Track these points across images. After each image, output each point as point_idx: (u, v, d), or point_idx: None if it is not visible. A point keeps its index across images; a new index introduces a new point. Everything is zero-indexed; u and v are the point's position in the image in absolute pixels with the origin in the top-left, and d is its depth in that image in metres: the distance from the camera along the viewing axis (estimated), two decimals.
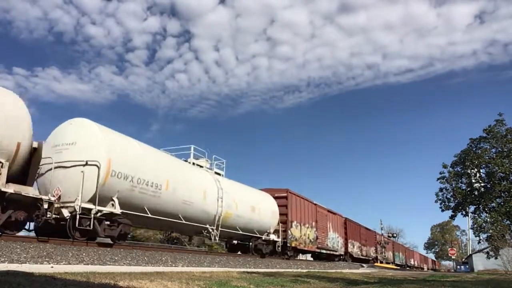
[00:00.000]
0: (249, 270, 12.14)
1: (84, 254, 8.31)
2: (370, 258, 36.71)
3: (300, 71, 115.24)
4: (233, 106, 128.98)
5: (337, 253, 27.27)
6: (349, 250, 30.04)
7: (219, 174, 16.61)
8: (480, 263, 44.73)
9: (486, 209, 26.47)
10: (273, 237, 18.38)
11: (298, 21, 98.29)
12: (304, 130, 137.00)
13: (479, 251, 47.53)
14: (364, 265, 30.75)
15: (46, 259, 7.28)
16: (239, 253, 18.42)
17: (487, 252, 29.00)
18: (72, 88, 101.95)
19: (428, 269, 75.60)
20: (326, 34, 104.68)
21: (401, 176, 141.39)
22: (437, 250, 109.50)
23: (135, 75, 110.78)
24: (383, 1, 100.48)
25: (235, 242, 18.11)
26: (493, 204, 25.97)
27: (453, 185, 27.59)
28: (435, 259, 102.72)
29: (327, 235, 24.99)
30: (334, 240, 26.66)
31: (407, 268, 54.30)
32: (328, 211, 26.24)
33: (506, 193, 25.20)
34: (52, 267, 6.88)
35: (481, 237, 27.84)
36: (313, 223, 22.82)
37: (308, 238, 21.73)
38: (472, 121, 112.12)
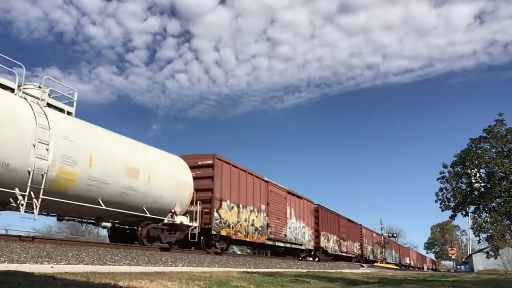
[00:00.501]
0: (249, 270, 12.14)
1: (84, 254, 8.31)
2: (353, 255, 31.86)
3: (300, 71, 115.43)
4: (233, 106, 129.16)
5: (302, 247, 21.72)
6: (322, 244, 24.47)
7: (62, 110, 10.19)
8: (480, 263, 44.76)
9: (486, 209, 26.52)
10: (182, 220, 12.56)
11: (298, 21, 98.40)
12: (304, 130, 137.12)
13: (479, 251, 47.56)
14: (364, 265, 30.73)
15: (46, 259, 7.28)
16: (136, 243, 12.15)
17: (487, 252, 29.05)
18: (72, 88, 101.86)
19: (428, 269, 75.57)
20: (326, 34, 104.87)
21: (401, 176, 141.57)
22: (437, 250, 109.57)
23: (135, 75, 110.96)
24: (383, 1, 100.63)
25: (107, 224, 11.51)
26: (493, 204, 26.01)
27: (453, 185, 27.63)
28: (435, 259, 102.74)
29: (285, 224, 19.51)
30: (298, 231, 21.21)
31: (403, 268, 52.89)
32: (290, 192, 20.67)
33: (506, 193, 25.23)
34: (52, 267, 6.88)
35: (481, 237, 27.92)
36: (263, 206, 17.32)
37: (253, 225, 16.33)
38: (472, 121, 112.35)
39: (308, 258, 23.60)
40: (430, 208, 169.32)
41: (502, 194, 25.54)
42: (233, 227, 14.89)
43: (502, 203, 25.30)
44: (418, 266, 68.03)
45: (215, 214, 13.91)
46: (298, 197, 22.10)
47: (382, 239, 45.79)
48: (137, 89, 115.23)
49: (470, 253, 56.50)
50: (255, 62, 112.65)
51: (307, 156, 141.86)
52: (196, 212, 13.23)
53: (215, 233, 13.86)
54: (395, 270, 35.34)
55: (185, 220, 12.80)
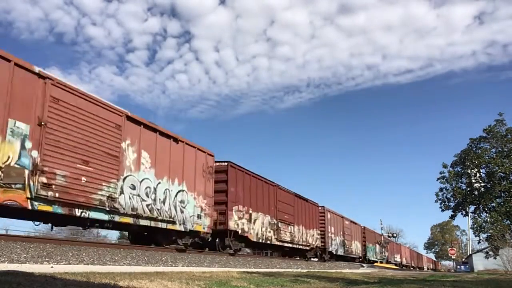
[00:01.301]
0: (249, 270, 12.14)
1: (84, 254, 8.31)
2: (306, 247, 22.87)
3: (300, 71, 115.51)
4: (233, 106, 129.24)
5: (178, 228, 12.27)
6: (233, 225, 15.01)
7: None
8: (480, 263, 44.74)
9: (486, 209, 26.58)
10: None
11: (298, 21, 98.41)
12: (304, 131, 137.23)
13: (479, 251, 47.59)
14: (364, 265, 30.74)
15: (46, 259, 7.28)
16: None
17: (486, 252, 29.10)
18: None
19: (428, 269, 75.57)
20: (326, 35, 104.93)
21: (401, 176, 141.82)
22: (437, 250, 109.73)
23: (136, 76, 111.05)
24: (383, 2, 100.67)
25: None
26: (493, 204, 26.06)
27: (453, 185, 27.72)
28: (435, 259, 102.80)
29: (115, 177, 9.78)
30: (165, 197, 11.65)
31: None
32: (135, 120, 10.62)
33: (506, 193, 25.28)
34: (52, 267, 6.88)
35: (481, 237, 28.03)
36: (21, 126, 7.61)
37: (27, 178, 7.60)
38: (472, 121, 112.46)
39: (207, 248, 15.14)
40: (430, 208, 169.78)
41: (502, 194, 25.59)
42: None
43: (502, 203, 25.36)
44: (413, 265, 64.45)
45: None
46: (170, 137, 12.04)
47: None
48: (138, 89, 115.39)
49: (470, 253, 56.49)
50: (255, 63, 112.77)
51: (307, 157, 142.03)
52: None
53: None
54: (396, 270, 35.36)
55: None
